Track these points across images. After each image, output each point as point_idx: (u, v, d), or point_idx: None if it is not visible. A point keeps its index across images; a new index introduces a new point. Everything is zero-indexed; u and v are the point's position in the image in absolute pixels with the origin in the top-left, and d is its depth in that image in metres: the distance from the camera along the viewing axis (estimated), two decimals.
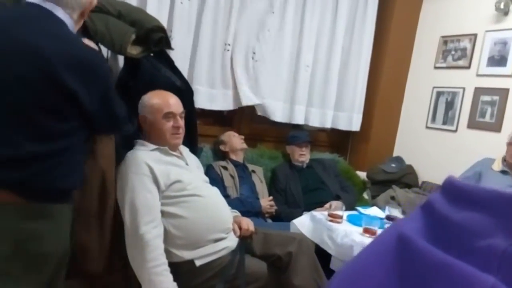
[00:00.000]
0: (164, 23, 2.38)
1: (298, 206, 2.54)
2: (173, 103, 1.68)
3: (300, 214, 2.36)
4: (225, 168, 2.45)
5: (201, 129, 2.60)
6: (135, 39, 1.84)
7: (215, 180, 2.26)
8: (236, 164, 2.52)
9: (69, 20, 1.23)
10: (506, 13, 2.79)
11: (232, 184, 2.40)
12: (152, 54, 2.00)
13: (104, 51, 1.92)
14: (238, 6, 2.67)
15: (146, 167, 1.51)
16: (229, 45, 2.68)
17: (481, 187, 0.42)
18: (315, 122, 3.16)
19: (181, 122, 1.70)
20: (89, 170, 1.43)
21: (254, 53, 2.78)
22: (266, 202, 2.43)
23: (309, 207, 2.47)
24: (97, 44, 1.82)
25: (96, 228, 1.51)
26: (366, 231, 1.89)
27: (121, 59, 2.00)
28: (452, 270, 0.36)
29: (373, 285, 0.43)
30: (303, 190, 2.63)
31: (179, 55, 2.43)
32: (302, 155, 2.77)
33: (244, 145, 2.62)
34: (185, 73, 2.47)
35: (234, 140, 2.58)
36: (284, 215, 2.47)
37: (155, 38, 1.94)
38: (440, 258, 0.37)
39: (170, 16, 2.45)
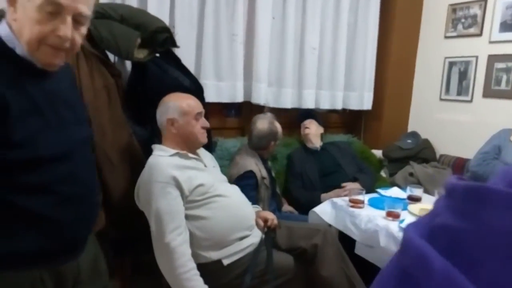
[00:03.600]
0: (166, 19, 2.34)
1: (314, 189, 2.52)
2: (196, 104, 1.71)
3: (318, 198, 2.37)
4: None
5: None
6: (140, 42, 1.82)
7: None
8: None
9: None
10: None
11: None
12: (158, 55, 1.98)
13: (111, 56, 1.90)
14: None
15: (169, 175, 1.51)
16: (236, 35, 2.63)
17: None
18: (325, 105, 3.12)
19: (207, 122, 1.72)
20: None
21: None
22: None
23: (326, 190, 2.47)
24: (103, 51, 1.81)
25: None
26: (389, 214, 1.88)
27: (128, 64, 1.98)
28: None
29: None
30: (319, 173, 2.61)
31: (184, 50, 2.39)
32: (306, 129, 2.74)
33: None
34: (191, 68, 2.44)
35: None
36: (303, 200, 2.46)
37: (160, 39, 1.91)
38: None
39: (171, 12, 2.41)
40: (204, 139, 1.73)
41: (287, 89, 2.92)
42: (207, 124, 1.73)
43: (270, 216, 1.80)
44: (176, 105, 1.66)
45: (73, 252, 1.06)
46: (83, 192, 1.06)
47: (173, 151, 1.63)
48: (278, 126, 2.33)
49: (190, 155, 1.68)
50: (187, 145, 1.68)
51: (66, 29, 0.93)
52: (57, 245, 1.00)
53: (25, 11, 0.91)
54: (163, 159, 1.58)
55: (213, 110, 2.61)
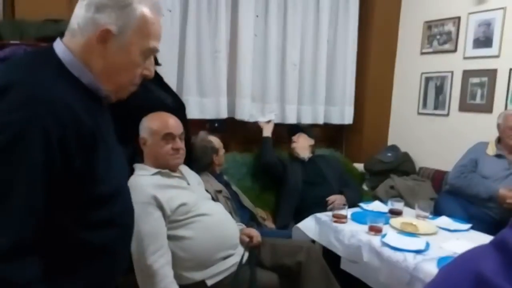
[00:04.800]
0: None
1: (297, 197, 2.54)
2: (172, 124, 1.66)
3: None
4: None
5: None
6: None
7: None
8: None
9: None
10: None
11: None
12: None
13: None
14: (223, 13, 2.63)
15: (149, 195, 1.49)
16: (219, 52, 2.65)
17: None
18: (307, 119, 3.17)
19: (181, 144, 1.67)
20: None
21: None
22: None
23: (310, 200, 2.49)
24: None
25: None
26: (372, 229, 1.90)
27: None
28: None
29: None
30: (303, 182, 2.63)
31: (167, 67, 2.40)
32: (293, 143, 2.79)
33: None
34: (173, 85, 2.45)
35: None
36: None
37: None
38: None
39: None
40: (174, 160, 1.66)
41: (271, 104, 2.95)
42: (178, 145, 1.66)
43: (255, 233, 1.79)
44: (146, 125, 1.65)
45: (113, 285, 1.03)
46: (132, 222, 1.05)
47: (155, 170, 1.61)
48: (213, 139, 2.35)
49: (173, 173, 1.66)
50: (161, 165, 1.65)
51: (152, 67, 0.96)
52: (110, 279, 0.97)
53: (123, 53, 0.88)
54: (144, 179, 1.56)
55: (196, 126, 2.62)
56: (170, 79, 2.40)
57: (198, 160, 2.15)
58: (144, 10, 0.88)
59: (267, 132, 2.81)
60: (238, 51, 2.75)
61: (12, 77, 0.81)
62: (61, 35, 1.78)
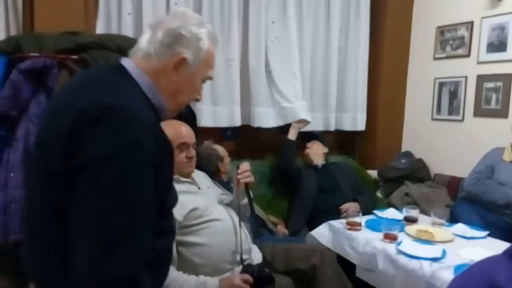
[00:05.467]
0: None
1: (307, 203, 2.53)
2: (186, 133, 1.68)
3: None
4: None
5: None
6: None
7: None
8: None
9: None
10: None
11: None
12: None
13: None
14: (236, 22, 2.67)
15: None
16: (232, 60, 2.68)
17: None
18: (318, 126, 3.16)
19: (194, 152, 1.70)
20: None
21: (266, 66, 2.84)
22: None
23: (323, 208, 2.48)
24: None
25: None
26: (387, 236, 1.89)
27: None
28: None
29: None
30: (317, 189, 2.62)
31: None
32: (307, 149, 2.80)
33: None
34: None
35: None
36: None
37: None
38: None
39: None
40: (188, 169, 1.69)
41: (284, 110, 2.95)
42: (192, 154, 1.69)
43: (243, 166, 1.76)
44: None
45: None
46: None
47: None
48: (218, 147, 2.36)
49: (182, 178, 1.68)
50: (174, 172, 1.67)
51: (201, 91, 1.08)
52: (161, 285, 1.02)
53: (188, 80, 1.00)
54: None
55: (209, 135, 2.65)
56: None
57: (203, 168, 2.18)
58: (211, 44, 1.01)
59: (292, 135, 2.80)
60: (250, 59, 2.78)
61: (107, 100, 0.84)
62: (80, 47, 1.83)
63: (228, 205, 1.81)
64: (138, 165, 0.82)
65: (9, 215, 1.63)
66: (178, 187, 1.61)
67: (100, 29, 2.27)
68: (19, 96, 1.67)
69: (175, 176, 1.64)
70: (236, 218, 1.76)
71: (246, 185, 1.74)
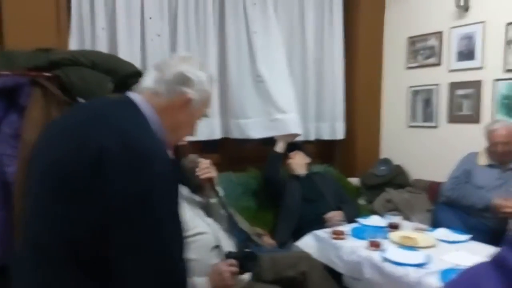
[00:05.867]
0: (138, 62, 2.36)
1: (293, 214, 2.52)
2: None
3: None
4: None
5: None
6: (113, 87, 1.81)
7: None
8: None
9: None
10: (466, 9, 2.89)
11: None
12: None
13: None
14: (212, 33, 2.67)
15: None
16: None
17: None
18: (299, 136, 3.17)
19: None
20: None
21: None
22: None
23: (307, 218, 2.47)
24: (75, 98, 1.79)
25: None
26: (372, 244, 1.89)
27: None
28: None
29: None
30: (301, 199, 2.61)
31: None
32: (289, 159, 2.77)
33: None
34: None
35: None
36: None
37: (132, 83, 1.90)
38: None
39: (143, 55, 2.43)
40: None
41: (257, 119, 2.94)
42: None
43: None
44: None
45: None
46: None
47: None
48: (202, 160, 2.34)
49: None
50: None
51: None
52: None
53: (189, 117, 1.10)
54: None
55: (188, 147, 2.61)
56: None
57: (188, 182, 2.14)
58: (210, 86, 1.14)
59: (280, 148, 2.77)
60: (228, 72, 2.78)
61: (130, 137, 0.88)
62: (53, 64, 1.77)
63: (208, 213, 1.79)
64: (171, 197, 0.91)
65: None
66: None
67: (73, 45, 2.22)
68: None
69: None
70: (218, 230, 1.74)
71: (210, 181, 1.73)
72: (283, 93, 2.87)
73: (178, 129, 1.10)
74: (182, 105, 1.06)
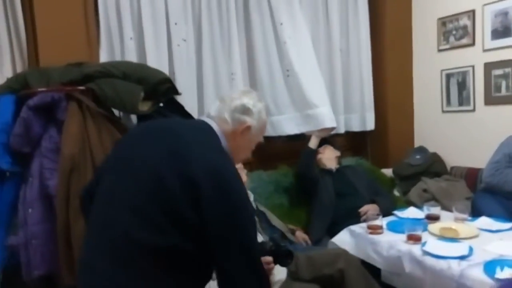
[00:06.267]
0: (166, 67, 2.40)
1: (327, 210, 2.50)
2: None
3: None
4: None
5: None
6: (143, 95, 1.86)
7: None
8: None
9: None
10: None
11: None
12: (161, 104, 2.02)
13: (116, 112, 1.94)
14: (237, 31, 2.67)
15: None
16: (235, 73, 2.68)
17: None
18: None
19: None
20: None
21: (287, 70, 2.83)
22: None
23: (341, 212, 2.44)
24: (109, 108, 1.85)
25: None
26: (411, 237, 1.85)
27: (134, 117, 2.02)
28: None
29: None
30: (335, 194, 2.59)
31: (186, 94, 2.44)
32: (319, 154, 2.74)
33: None
34: (194, 112, 2.49)
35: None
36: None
37: (162, 90, 1.96)
38: None
39: (170, 59, 2.47)
40: None
41: (287, 115, 2.92)
42: None
43: None
44: None
45: None
46: None
47: None
48: None
49: None
50: None
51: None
52: None
53: (248, 142, 1.29)
54: None
55: None
56: (191, 106, 2.44)
57: None
58: (266, 115, 1.32)
59: (313, 144, 2.73)
60: (257, 69, 2.79)
61: (220, 163, 1.07)
62: (86, 77, 1.84)
63: None
64: (249, 207, 1.13)
65: (30, 251, 1.64)
66: None
67: (103, 56, 2.29)
68: (31, 132, 1.69)
69: None
70: None
71: None
72: (314, 86, 2.82)
73: (239, 153, 1.27)
74: (243, 131, 1.24)
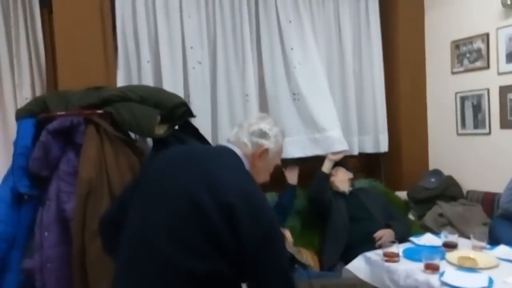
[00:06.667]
0: (181, 89, 2.44)
1: (341, 234, 2.46)
2: None
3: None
4: None
5: None
6: (160, 119, 1.88)
7: None
8: None
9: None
10: None
11: None
12: (176, 127, 2.04)
13: (132, 135, 1.97)
14: (250, 55, 2.70)
15: None
16: (249, 95, 2.70)
17: None
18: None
19: None
20: None
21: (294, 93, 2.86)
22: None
23: (355, 237, 2.41)
24: (126, 132, 1.87)
25: None
26: (428, 267, 1.81)
27: (149, 140, 2.03)
28: None
29: None
30: (348, 218, 2.55)
31: (201, 117, 2.46)
32: (332, 176, 2.73)
33: None
34: (208, 134, 2.51)
35: None
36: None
37: (178, 114, 1.97)
38: None
39: (185, 81, 2.51)
40: None
41: (299, 137, 2.92)
42: None
43: None
44: None
45: None
46: None
47: None
48: None
49: None
50: None
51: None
52: None
53: (266, 165, 1.35)
54: None
55: None
56: (205, 129, 2.46)
57: None
58: (282, 138, 1.40)
59: (327, 168, 2.72)
60: (265, 91, 2.80)
61: (251, 189, 1.13)
62: (104, 101, 1.87)
63: None
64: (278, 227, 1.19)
65: (46, 275, 1.64)
66: None
67: (121, 79, 2.34)
68: (49, 156, 1.71)
69: None
70: None
71: None
72: (323, 110, 2.83)
73: (259, 175, 1.32)
74: (261, 154, 1.30)
